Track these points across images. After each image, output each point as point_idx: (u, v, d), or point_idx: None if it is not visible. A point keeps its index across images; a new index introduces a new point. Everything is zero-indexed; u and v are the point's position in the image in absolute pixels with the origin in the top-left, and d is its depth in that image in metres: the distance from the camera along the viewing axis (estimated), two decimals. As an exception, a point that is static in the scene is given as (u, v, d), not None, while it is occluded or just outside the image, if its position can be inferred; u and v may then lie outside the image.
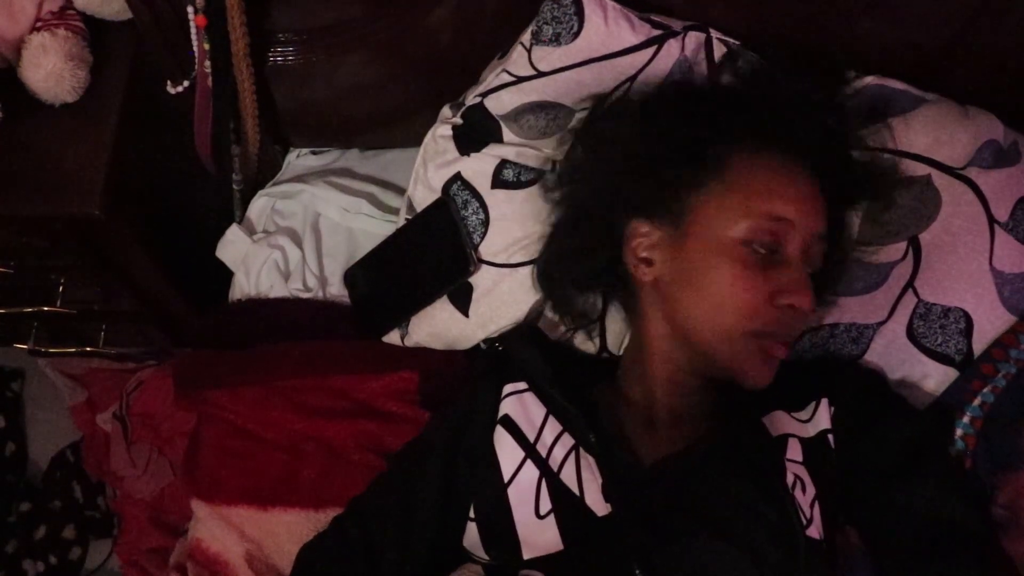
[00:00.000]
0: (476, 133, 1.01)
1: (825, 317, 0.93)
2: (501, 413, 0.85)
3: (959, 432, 0.86)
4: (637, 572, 0.73)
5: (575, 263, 0.92)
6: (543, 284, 0.95)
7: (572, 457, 0.81)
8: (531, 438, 0.83)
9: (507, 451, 0.82)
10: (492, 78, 1.01)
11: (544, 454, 0.81)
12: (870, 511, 0.81)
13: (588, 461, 0.80)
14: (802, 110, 0.86)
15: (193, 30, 0.94)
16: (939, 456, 0.84)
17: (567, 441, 0.82)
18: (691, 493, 0.77)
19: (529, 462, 0.81)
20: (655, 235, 0.85)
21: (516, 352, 0.91)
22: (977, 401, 0.87)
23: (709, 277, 0.80)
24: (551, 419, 0.84)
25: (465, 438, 0.86)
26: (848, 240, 0.92)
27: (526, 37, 1.00)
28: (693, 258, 0.81)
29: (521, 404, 0.86)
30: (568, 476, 0.80)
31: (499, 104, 1.00)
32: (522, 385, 0.87)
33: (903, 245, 0.91)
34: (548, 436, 0.82)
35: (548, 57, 0.99)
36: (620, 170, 0.87)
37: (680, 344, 0.84)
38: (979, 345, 0.89)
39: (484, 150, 0.99)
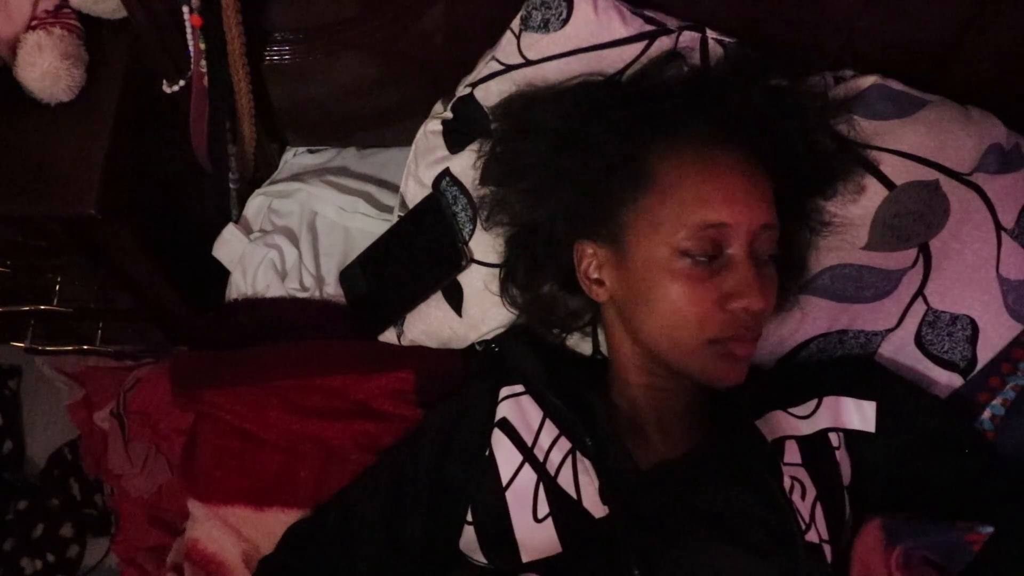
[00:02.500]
0: (465, 126, 0.99)
1: (835, 324, 0.92)
2: (498, 416, 0.85)
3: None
4: (636, 573, 0.73)
5: (532, 282, 0.90)
6: (510, 303, 0.94)
7: (569, 460, 0.81)
8: (528, 442, 0.82)
9: (505, 455, 0.82)
10: (482, 66, 1.00)
11: (541, 458, 0.81)
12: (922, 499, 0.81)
13: (585, 464, 0.80)
14: (723, 90, 0.83)
15: (189, 29, 0.93)
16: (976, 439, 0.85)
17: (564, 444, 0.82)
18: (689, 498, 0.77)
19: (527, 466, 0.81)
20: (601, 255, 0.83)
21: (512, 354, 0.91)
22: (987, 414, 0.87)
23: (656, 294, 0.78)
24: (548, 422, 0.84)
25: (458, 438, 0.85)
26: (813, 216, 0.88)
27: (515, 23, 0.98)
28: (638, 276, 0.79)
29: (518, 407, 0.85)
30: (565, 479, 0.79)
31: (488, 95, 0.98)
32: (519, 388, 0.87)
33: (913, 252, 0.90)
34: (545, 440, 0.82)
35: (536, 45, 0.95)
36: (546, 193, 0.85)
37: (649, 355, 0.83)
38: (983, 352, 0.89)
39: (472, 146, 0.98)
